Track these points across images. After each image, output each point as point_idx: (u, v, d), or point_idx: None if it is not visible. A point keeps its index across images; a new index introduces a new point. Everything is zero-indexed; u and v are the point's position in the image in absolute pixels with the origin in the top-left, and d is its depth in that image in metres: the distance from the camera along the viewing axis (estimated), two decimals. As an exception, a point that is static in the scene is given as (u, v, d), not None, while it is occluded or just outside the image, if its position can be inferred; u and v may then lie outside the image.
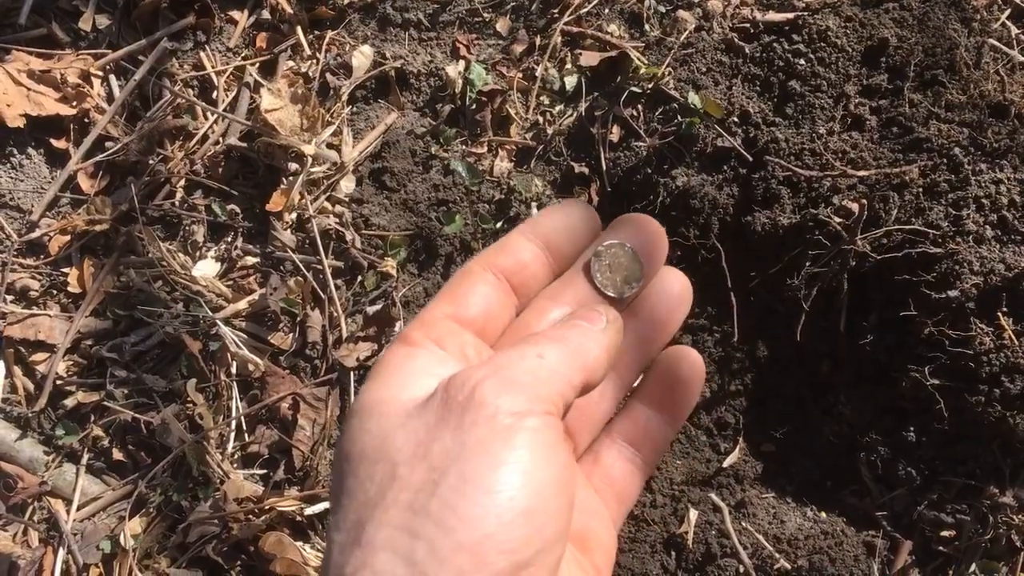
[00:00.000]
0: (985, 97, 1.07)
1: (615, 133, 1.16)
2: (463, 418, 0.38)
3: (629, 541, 1.05)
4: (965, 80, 1.08)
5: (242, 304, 1.15)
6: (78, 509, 1.14)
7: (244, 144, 1.21)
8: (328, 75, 1.24)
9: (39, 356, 1.19)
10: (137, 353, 1.17)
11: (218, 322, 1.12)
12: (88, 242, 1.23)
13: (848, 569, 1.01)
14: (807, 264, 1.03)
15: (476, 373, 0.40)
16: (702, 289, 1.13)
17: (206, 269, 1.18)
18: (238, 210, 1.20)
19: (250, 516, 1.07)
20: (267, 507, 1.06)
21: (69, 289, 1.21)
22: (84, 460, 1.16)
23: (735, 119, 1.11)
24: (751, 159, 1.10)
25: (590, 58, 1.20)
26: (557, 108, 1.20)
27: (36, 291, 1.22)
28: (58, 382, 1.17)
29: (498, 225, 1.15)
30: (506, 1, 1.25)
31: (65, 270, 1.22)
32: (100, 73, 1.29)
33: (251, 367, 1.12)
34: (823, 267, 1.02)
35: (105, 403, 1.15)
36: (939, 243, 0.99)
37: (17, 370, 1.20)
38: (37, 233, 1.23)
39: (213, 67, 1.27)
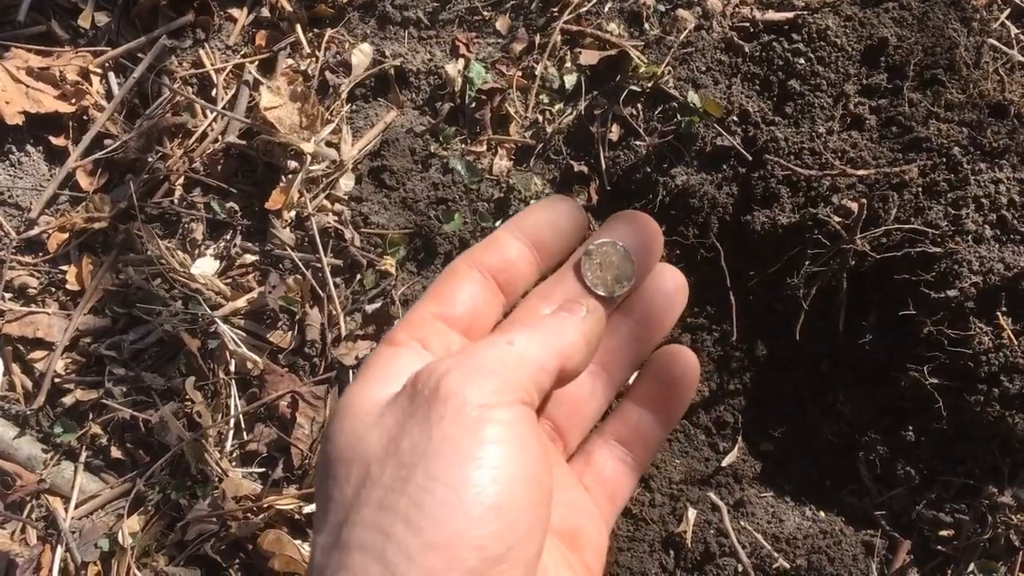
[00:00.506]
0: (985, 97, 1.07)
1: (614, 132, 1.16)
2: (430, 412, 0.37)
3: (627, 540, 1.05)
4: (965, 80, 1.08)
5: (241, 302, 1.15)
6: (76, 507, 1.14)
7: (243, 142, 1.21)
8: (327, 73, 1.24)
9: (37, 354, 1.19)
10: (136, 351, 1.17)
11: (217, 320, 1.12)
12: (87, 240, 1.23)
13: (847, 568, 1.01)
14: (806, 263, 1.03)
15: (442, 365, 0.39)
16: (701, 288, 1.13)
17: (205, 267, 1.18)
18: (237, 208, 1.20)
19: (248, 514, 1.07)
20: (265, 505, 1.06)
21: (68, 287, 1.21)
22: (82, 458, 1.16)
23: (734, 118, 1.11)
24: (750, 158, 1.10)
25: (590, 57, 1.19)
26: (556, 107, 1.20)
27: (34, 289, 1.22)
28: (56, 380, 1.17)
29: (497, 223, 1.14)
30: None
31: (64, 268, 1.22)
32: (99, 70, 1.29)
33: (250, 365, 1.12)
34: (822, 266, 1.02)
35: (103, 401, 1.15)
36: (938, 243, 0.99)
37: (15, 368, 1.20)
38: (36, 231, 1.23)
39: (212, 65, 1.27)
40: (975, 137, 1.04)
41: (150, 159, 1.22)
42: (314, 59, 1.25)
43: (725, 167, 1.11)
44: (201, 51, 1.28)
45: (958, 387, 0.97)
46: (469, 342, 0.46)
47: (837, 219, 1.01)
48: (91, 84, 1.28)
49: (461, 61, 1.22)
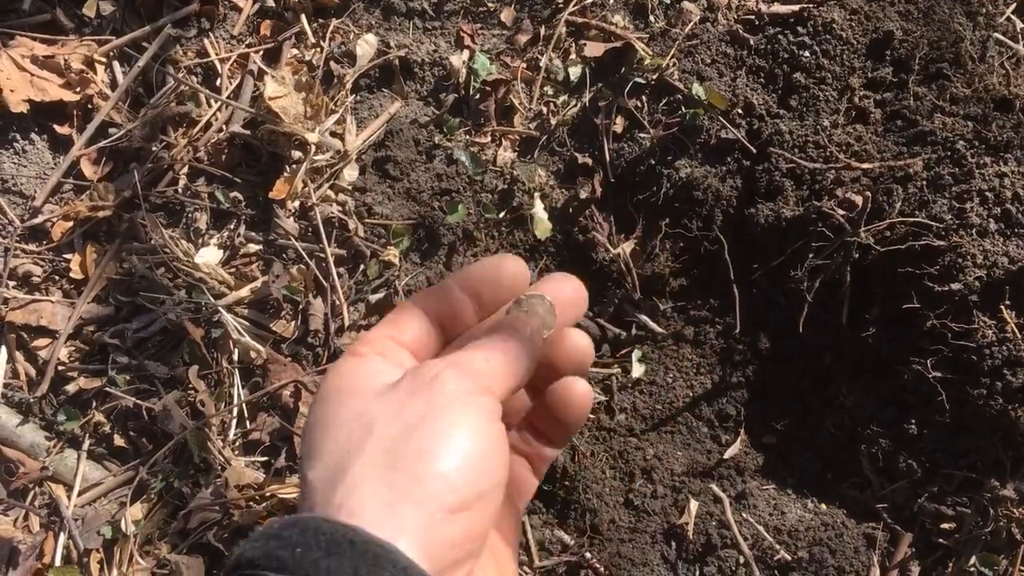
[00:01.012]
0: (990, 91, 1.07)
1: (619, 124, 1.16)
2: (431, 392, 0.50)
3: (629, 531, 1.05)
4: (970, 74, 1.08)
5: (244, 292, 1.15)
6: (79, 495, 1.14)
7: (247, 132, 1.21)
8: (332, 63, 1.23)
9: (41, 342, 1.19)
10: (139, 339, 1.17)
11: (220, 309, 1.12)
12: (91, 228, 1.23)
13: (848, 561, 1.01)
14: (810, 256, 1.03)
15: (438, 364, 0.51)
16: (704, 281, 1.13)
17: (208, 256, 1.18)
18: (241, 197, 1.20)
19: (251, 503, 1.07)
20: (268, 494, 1.06)
21: (71, 275, 1.21)
22: (85, 446, 1.16)
23: (739, 111, 1.11)
24: (755, 151, 1.10)
25: (594, 49, 1.19)
26: (561, 98, 1.20)
27: (38, 277, 1.22)
28: (60, 368, 1.17)
29: (501, 215, 1.14)
30: (511, -9, 1.25)
31: (67, 256, 1.22)
32: (103, 59, 1.29)
33: (253, 354, 1.12)
34: (826, 259, 1.03)
35: (107, 389, 1.15)
36: (942, 236, 0.99)
37: (19, 355, 1.20)
38: (40, 219, 1.23)
39: (217, 54, 1.27)
40: (980, 131, 1.04)
41: (154, 148, 1.22)
42: (319, 49, 1.25)
43: (729, 160, 1.11)
44: (206, 40, 1.28)
45: (961, 380, 0.97)
46: (417, 361, 0.57)
47: (841, 212, 1.01)
48: (95, 73, 1.28)
49: (466, 52, 1.22)
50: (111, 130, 1.25)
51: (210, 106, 1.25)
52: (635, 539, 1.05)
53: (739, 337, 1.10)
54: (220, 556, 1.07)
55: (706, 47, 1.15)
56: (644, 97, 1.16)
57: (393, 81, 1.23)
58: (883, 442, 1.02)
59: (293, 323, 1.14)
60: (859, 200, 1.01)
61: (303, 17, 1.26)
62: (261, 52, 1.27)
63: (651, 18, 1.21)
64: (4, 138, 1.27)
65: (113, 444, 1.16)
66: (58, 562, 1.11)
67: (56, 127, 1.27)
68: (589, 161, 1.16)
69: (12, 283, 1.21)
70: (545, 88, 1.20)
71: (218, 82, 1.26)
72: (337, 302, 1.12)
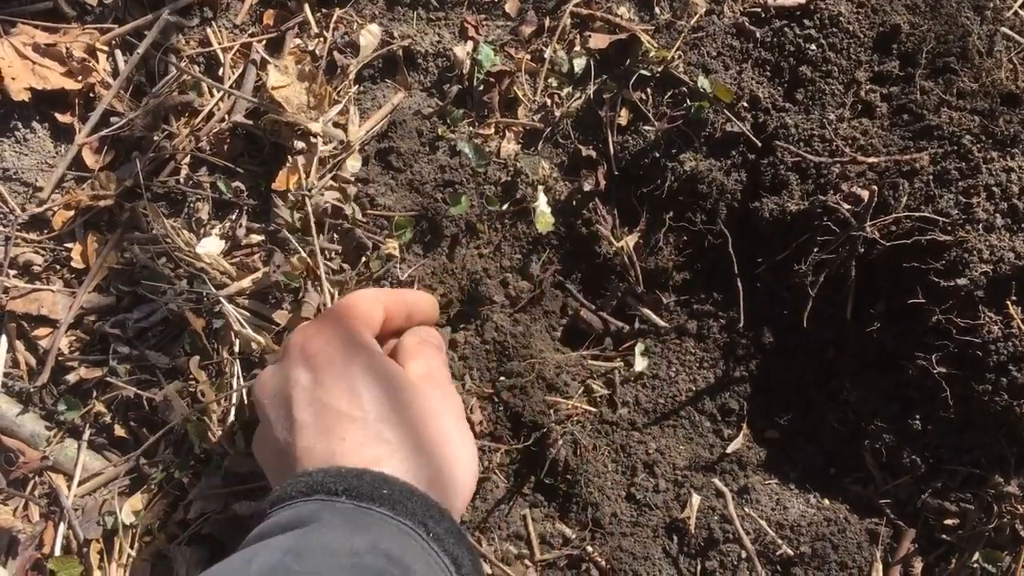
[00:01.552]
0: (997, 85, 1.06)
1: (623, 116, 1.15)
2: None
3: (631, 525, 1.05)
4: (977, 68, 1.08)
5: (246, 282, 1.14)
6: (79, 484, 1.13)
7: (250, 121, 1.21)
8: (335, 53, 1.23)
9: (41, 331, 1.19)
10: (140, 329, 1.17)
11: (222, 300, 1.12)
12: (92, 217, 1.22)
13: (851, 556, 1.01)
14: (815, 251, 1.03)
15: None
16: (708, 275, 1.13)
17: (210, 246, 1.17)
18: (243, 187, 1.19)
19: (251, 493, 1.06)
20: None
21: (72, 264, 1.21)
22: (86, 436, 1.16)
23: (745, 104, 1.11)
24: (760, 144, 1.09)
25: (599, 40, 1.19)
26: (565, 90, 1.19)
27: (39, 266, 1.21)
28: (60, 357, 1.17)
29: (504, 207, 1.14)
30: (516, -18, 1.24)
31: (68, 245, 1.22)
32: (106, 48, 1.28)
33: (254, 345, 1.11)
34: (831, 254, 1.02)
35: (107, 379, 1.15)
36: (948, 231, 0.99)
37: (19, 345, 1.19)
38: (41, 208, 1.22)
39: (219, 44, 1.26)
40: (987, 125, 1.03)
41: (156, 137, 1.22)
42: (322, 39, 1.24)
43: (734, 153, 1.11)
44: (208, 30, 1.27)
45: (966, 376, 0.97)
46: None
47: (847, 206, 1.01)
48: (97, 61, 1.27)
49: (470, 43, 1.21)
50: (113, 119, 1.24)
51: (212, 95, 1.24)
52: (637, 533, 1.05)
53: (742, 331, 1.10)
54: (220, 547, 1.07)
55: (712, 39, 1.15)
56: (649, 89, 1.15)
57: (396, 72, 1.23)
58: (887, 437, 1.02)
59: (293, 314, 1.14)
60: (865, 194, 1.00)
61: (306, 6, 1.26)
62: (264, 41, 1.26)
63: (657, 10, 1.20)
64: (5, 126, 1.26)
65: (114, 434, 1.15)
66: (58, 552, 1.10)
67: (58, 116, 1.27)
68: (593, 153, 1.15)
69: (13, 272, 1.21)
70: (549, 80, 1.20)
71: (220, 71, 1.25)
72: (330, 291, 1.12)
